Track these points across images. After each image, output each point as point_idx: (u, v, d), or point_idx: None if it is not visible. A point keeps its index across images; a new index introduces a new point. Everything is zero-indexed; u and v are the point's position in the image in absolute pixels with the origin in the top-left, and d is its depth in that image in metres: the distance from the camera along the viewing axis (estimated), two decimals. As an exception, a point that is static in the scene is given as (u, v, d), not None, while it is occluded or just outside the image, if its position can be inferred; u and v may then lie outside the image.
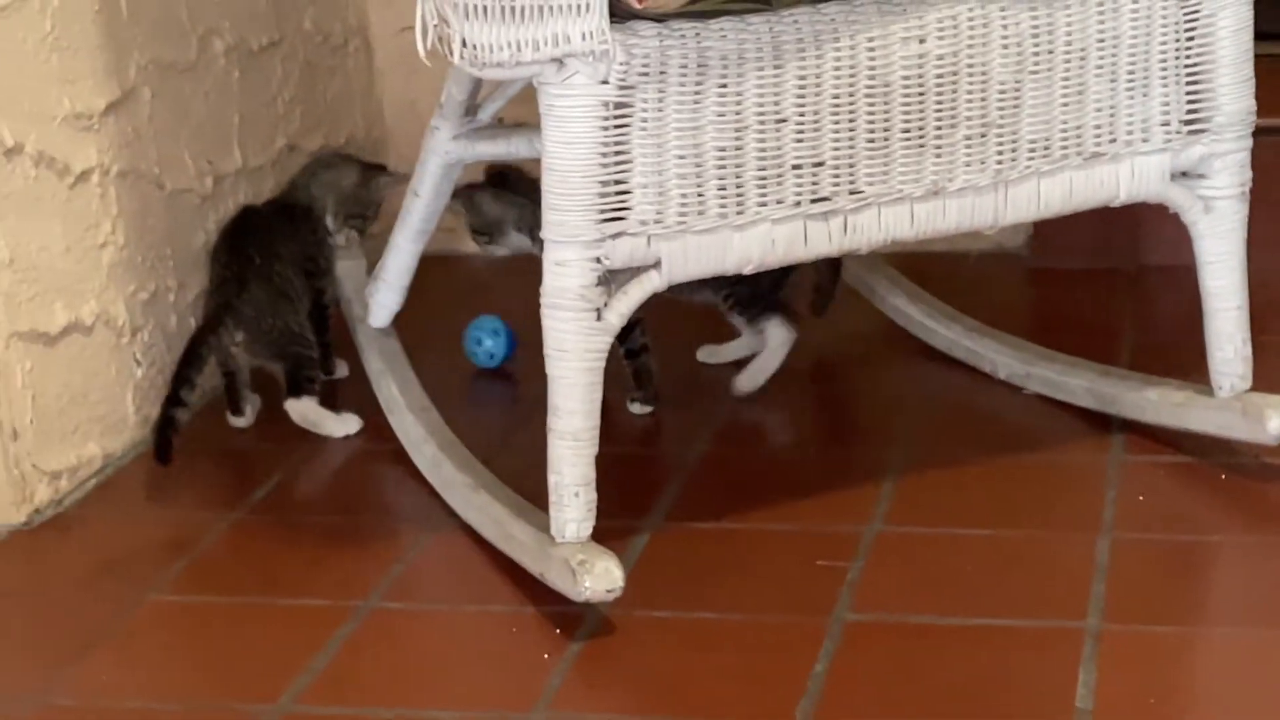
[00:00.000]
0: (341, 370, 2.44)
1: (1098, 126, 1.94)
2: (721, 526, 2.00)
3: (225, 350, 2.27)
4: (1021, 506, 2.01)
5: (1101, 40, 1.92)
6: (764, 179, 1.81)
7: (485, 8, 1.69)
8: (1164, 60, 1.95)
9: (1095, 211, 1.99)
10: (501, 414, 2.35)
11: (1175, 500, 2.02)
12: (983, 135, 1.89)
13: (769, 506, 2.03)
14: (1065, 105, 1.92)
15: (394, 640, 1.83)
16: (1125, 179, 1.96)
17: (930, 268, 2.64)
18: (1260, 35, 2.02)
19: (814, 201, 1.84)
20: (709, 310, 2.35)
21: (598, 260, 1.77)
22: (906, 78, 1.84)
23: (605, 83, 1.73)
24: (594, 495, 1.82)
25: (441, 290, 2.67)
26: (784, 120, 1.81)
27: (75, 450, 2.17)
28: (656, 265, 1.80)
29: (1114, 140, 1.95)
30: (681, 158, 1.78)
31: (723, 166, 1.80)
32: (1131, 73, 1.94)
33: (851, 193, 1.85)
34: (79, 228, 2.19)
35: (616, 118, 1.74)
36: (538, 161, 1.78)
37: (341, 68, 2.83)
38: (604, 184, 1.75)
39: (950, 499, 2.03)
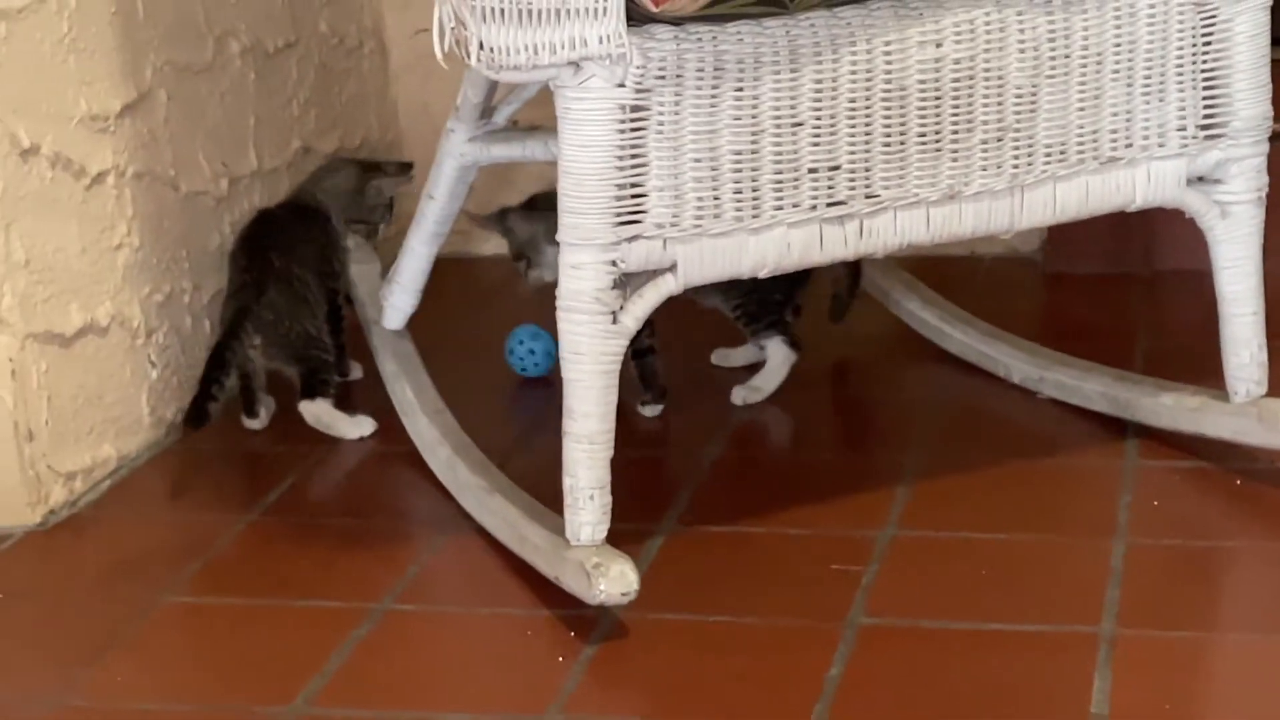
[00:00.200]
0: (356, 372, 2.44)
1: (1114, 131, 1.94)
2: (736, 530, 2.00)
3: (243, 354, 2.27)
4: (1036, 511, 2.01)
5: (1118, 45, 1.92)
6: (780, 182, 1.81)
7: (503, 10, 1.69)
8: (1180, 65, 1.95)
9: (1110, 216, 1.99)
10: (516, 417, 2.35)
11: (1190, 505, 2.02)
12: (999, 139, 1.89)
13: (783, 510, 2.03)
14: (1081, 110, 1.92)
15: (408, 642, 1.83)
16: (1141, 184, 1.96)
17: (944, 272, 2.63)
18: (1277, 40, 2.02)
19: (830, 205, 1.83)
20: (721, 314, 2.35)
21: (613, 263, 1.77)
22: (923, 82, 1.84)
23: (622, 86, 1.73)
24: (609, 498, 1.82)
25: (456, 293, 2.67)
26: (800, 124, 1.81)
27: (90, 451, 2.18)
28: (672, 268, 1.80)
29: (1130, 145, 1.95)
30: (697, 161, 1.78)
31: (738, 170, 1.80)
32: (1148, 77, 1.94)
33: (867, 196, 1.85)
34: (95, 229, 2.19)
35: (633, 121, 1.74)
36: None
37: (357, 70, 2.83)
38: (620, 187, 1.75)
39: (964, 503, 2.03)
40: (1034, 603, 1.82)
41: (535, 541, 1.89)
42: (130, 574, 1.99)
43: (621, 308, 1.79)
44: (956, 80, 1.85)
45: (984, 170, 1.89)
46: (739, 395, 2.32)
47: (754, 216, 1.81)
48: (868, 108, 1.83)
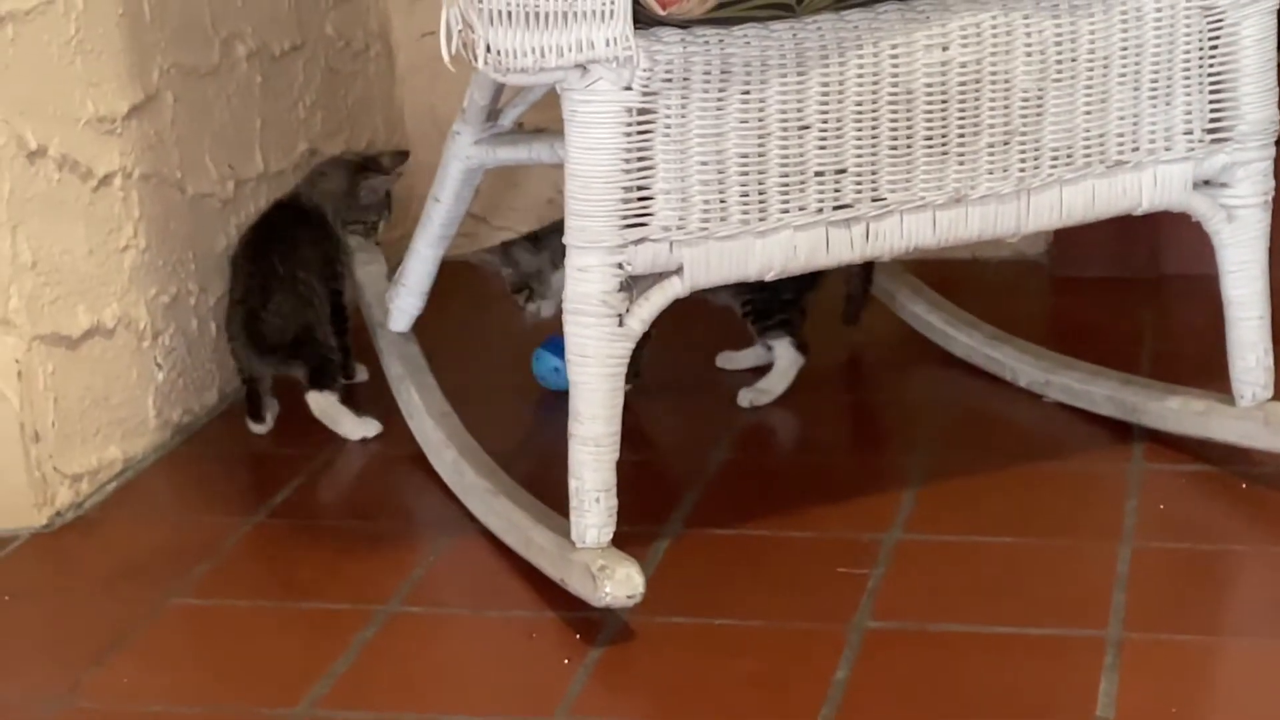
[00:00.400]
0: (361, 375, 2.44)
1: (1120, 135, 1.94)
2: (742, 533, 2.00)
3: (250, 359, 2.28)
4: (1042, 515, 2.01)
5: (1125, 49, 1.92)
6: (786, 185, 1.81)
7: (510, 13, 1.69)
8: (1187, 69, 1.95)
9: (1115, 219, 1.99)
10: (522, 419, 2.35)
11: (1196, 509, 2.02)
12: (1005, 143, 1.89)
13: (789, 513, 2.03)
14: (1088, 113, 1.92)
15: (414, 645, 1.83)
16: (1148, 187, 1.96)
17: (950, 275, 2.63)
18: (1284, 44, 2.02)
19: (836, 208, 1.84)
20: (729, 315, 2.35)
21: (620, 266, 1.77)
22: (929, 85, 1.84)
23: (629, 89, 1.73)
24: (615, 501, 1.82)
25: (462, 295, 2.67)
26: (807, 127, 1.81)
27: (96, 453, 2.18)
28: (679, 271, 1.80)
29: (1137, 149, 1.95)
30: (704, 164, 1.78)
31: (745, 173, 1.80)
32: (1154, 81, 1.94)
33: (874, 200, 1.85)
34: (101, 231, 2.19)
35: (639, 124, 1.74)
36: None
37: (363, 73, 2.83)
38: (626, 190, 1.75)
39: (970, 507, 2.03)
40: (1040, 606, 1.82)
41: (541, 544, 1.89)
42: (136, 576, 1.99)
43: (628, 310, 1.79)
44: (963, 83, 1.85)
45: (990, 173, 1.89)
46: (746, 398, 2.32)
47: (760, 219, 1.81)
48: (874, 111, 1.83)
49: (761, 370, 2.35)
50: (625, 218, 1.76)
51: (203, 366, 2.38)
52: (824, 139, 1.82)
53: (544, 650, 1.80)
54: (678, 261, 1.79)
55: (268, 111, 2.55)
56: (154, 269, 2.28)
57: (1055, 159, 1.91)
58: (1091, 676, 1.69)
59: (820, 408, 2.35)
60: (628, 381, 2.29)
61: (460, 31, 1.73)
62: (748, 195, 1.80)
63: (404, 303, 2.33)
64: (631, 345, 1.80)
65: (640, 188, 1.76)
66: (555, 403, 2.31)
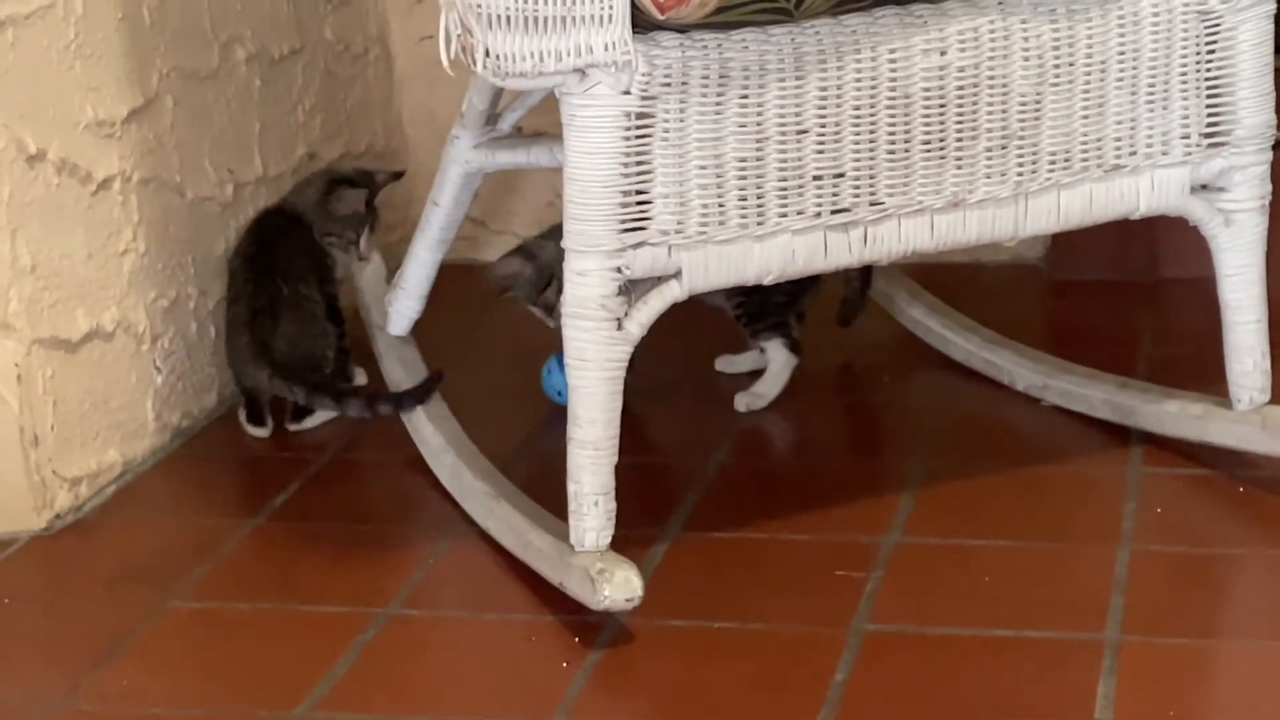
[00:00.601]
0: (359, 378, 2.44)
1: (1118, 139, 1.94)
2: (740, 536, 2.00)
3: (259, 380, 2.28)
4: (1040, 518, 2.01)
5: (1122, 53, 1.92)
6: (785, 190, 1.82)
7: (509, 18, 1.69)
8: (1184, 73, 1.95)
9: (1113, 223, 1.99)
10: (521, 423, 2.35)
11: (1194, 513, 2.02)
12: (1003, 147, 1.89)
13: (787, 516, 2.04)
14: (1086, 118, 1.92)
15: (413, 648, 1.83)
16: (1145, 191, 1.96)
17: (948, 279, 2.64)
18: (1280, 49, 2.03)
19: (834, 212, 1.84)
20: (727, 319, 2.35)
21: (618, 270, 1.77)
22: (927, 89, 1.84)
23: (627, 93, 1.73)
24: (613, 504, 1.83)
25: (461, 299, 2.67)
26: (805, 131, 1.81)
27: (96, 456, 2.18)
28: (677, 275, 1.80)
29: (1134, 153, 1.95)
30: (703, 168, 1.78)
31: (743, 177, 1.80)
32: (1152, 86, 1.94)
33: (872, 204, 1.85)
34: (101, 235, 2.20)
35: (638, 128, 1.75)
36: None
37: (362, 76, 2.84)
38: (625, 194, 1.76)
39: (968, 510, 2.03)
40: (1038, 609, 1.82)
41: (540, 547, 1.89)
42: (135, 579, 1.99)
43: (626, 314, 1.79)
44: (961, 88, 1.86)
45: (988, 178, 1.89)
46: (742, 402, 2.33)
47: (759, 224, 1.81)
48: (872, 115, 1.83)
49: (760, 373, 2.35)
50: (624, 222, 1.76)
51: (202, 370, 2.39)
52: (822, 143, 1.82)
53: (543, 653, 1.80)
54: (676, 265, 1.80)
55: (267, 115, 2.55)
56: (153, 272, 2.29)
57: (1053, 163, 1.92)
58: (1089, 679, 1.69)
59: (818, 411, 2.35)
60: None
61: (459, 36, 1.74)
62: (746, 199, 1.80)
63: (403, 306, 2.33)
64: (630, 349, 1.80)
65: (639, 192, 1.76)
66: (553, 406, 2.31)
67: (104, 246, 2.20)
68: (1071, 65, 1.90)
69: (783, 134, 1.80)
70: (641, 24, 1.71)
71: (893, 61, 1.82)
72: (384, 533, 2.08)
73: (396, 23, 2.92)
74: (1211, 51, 1.96)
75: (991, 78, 1.87)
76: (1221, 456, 2.09)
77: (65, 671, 1.81)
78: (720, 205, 1.80)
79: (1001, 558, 1.93)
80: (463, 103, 2.11)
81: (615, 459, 1.82)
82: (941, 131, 1.86)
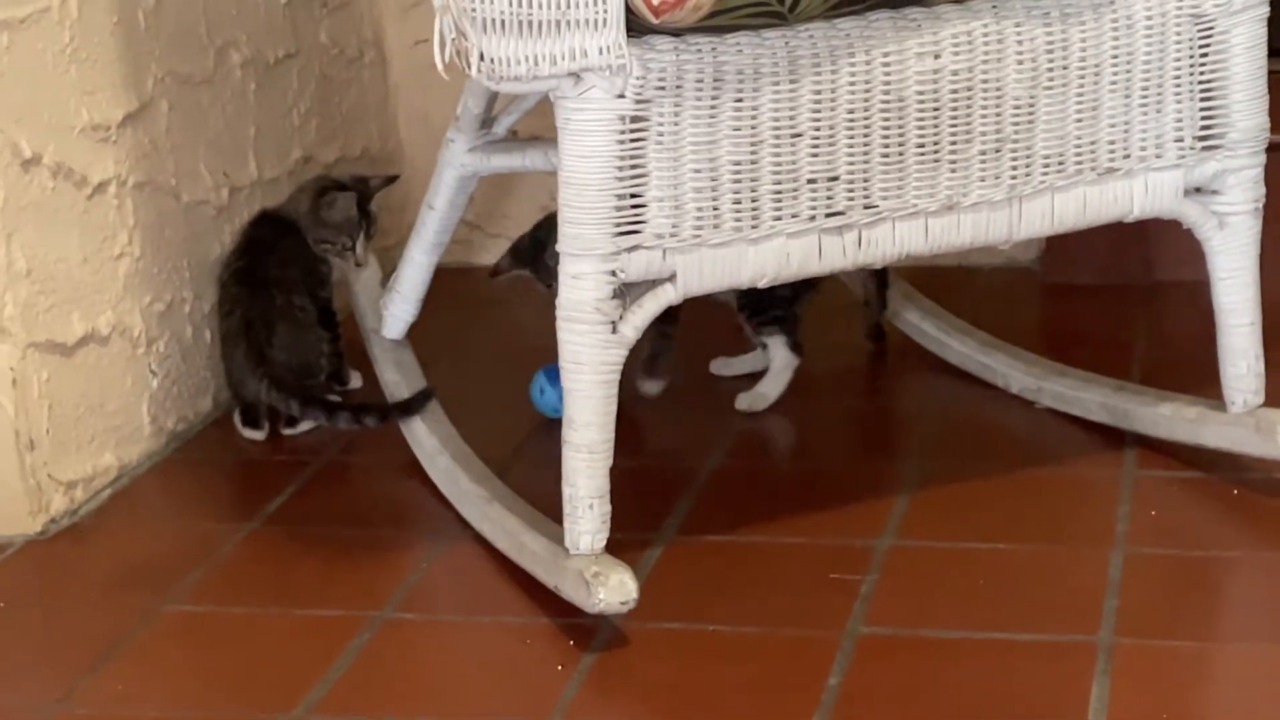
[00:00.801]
0: (355, 381, 2.44)
1: (1111, 142, 1.94)
2: (735, 539, 2.00)
3: (258, 391, 2.28)
4: (1034, 521, 2.01)
5: (1116, 56, 1.92)
6: (779, 193, 1.82)
7: (503, 22, 1.69)
8: (1178, 76, 1.95)
9: (1107, 226, 1.99)
10: (516, 426, 2.36)
11: (1188, 515, 2.02)
12: (997, 150, 1.89)
13: (782, 519, 2.04)
14: (1079, 121, 1.92)
15: (408, 651, 1.83)
16: (1139, 194, 1.97)
17: (943, 282, 2.64)
18: (1274, 52, 2.02)
19: (828, 215, 1.84)
20: (724, 321, 2.35)
21: (613, 273, 1.77)
22: (921, 93, 1.85)
23: (622, 97, 1.73)
24: (608, 507, 1.83)
25: (456, 302, 2.68)
26: (799, 135, 1.81)
27: (91, 460, 2.18)
28: (672, 278, 1.80)
29: (1128, 156, 1.95)
30: (697, 171, 1.79)
31: (738, 180, 1.80)
32: (1145, 89, 1.95)
33: (866, 207, 1.85)
34: (96, 239, 2.20)
35: (633, 132, 1.75)
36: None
37: (357, 80, 2.84)
38: (620, 197, 1.76)
39: (963, 513, 2.04)
40: (1032, 612, 1.82)
41: (535, 550, 1.89)
42: (131, 583, 1.99)
43: (621, 318, 1.79)
44: (955, 91, 1.86)
45: (982, 181, 1.89)
46: (744, 401, 2.33)
47: (753, 227, 1.81)
48: (866, 119, 1.83)
49: (756, 377, 2.36)
50: (619, 225, 1.76)
51: (197, 374, 2.39)
52: (816, 146, 1.82)
53: (538, 656, 1.80)
54: (671, 269, 1.80)
55: (262, 119, 2.55)
56: (149, 276, 2.29)
57: (1047, 166, 1.92)
58: (1083, 682, 1.69)
59: (813, 414, 2.35)
60: (656, 378, 2.31)
61: (454, 40, 1.74)
62: (740, 202, 1.81)
63: (398, 309, 2.33)
64: (625, 352, 1.80)
65: (633, 195, 1.76)
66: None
67: (99, 250, 2.20)
68: (1065, 69, 1.90)
69: (777, 137, 1.81)
70: (636, 28, 1.72)
71: (887, 65, 1.83)
72: (379, 536, 2.08)
73: (391, 27, 2.93)
74: (1205, 55, 1.96)
75: (985, 81, 1.87)
76: (1216, 459, 2.09)
77: (61, 675, 1.81)
78: (715, 208, 1.80)
79: (996, 560, 1.93)
80: (458, 106, 2.11)
81: (610, 462, 1.82)
82: (936, 135, 1.86)
